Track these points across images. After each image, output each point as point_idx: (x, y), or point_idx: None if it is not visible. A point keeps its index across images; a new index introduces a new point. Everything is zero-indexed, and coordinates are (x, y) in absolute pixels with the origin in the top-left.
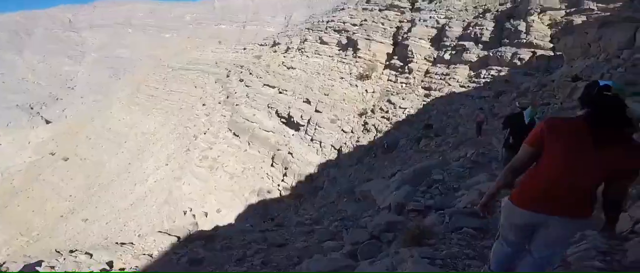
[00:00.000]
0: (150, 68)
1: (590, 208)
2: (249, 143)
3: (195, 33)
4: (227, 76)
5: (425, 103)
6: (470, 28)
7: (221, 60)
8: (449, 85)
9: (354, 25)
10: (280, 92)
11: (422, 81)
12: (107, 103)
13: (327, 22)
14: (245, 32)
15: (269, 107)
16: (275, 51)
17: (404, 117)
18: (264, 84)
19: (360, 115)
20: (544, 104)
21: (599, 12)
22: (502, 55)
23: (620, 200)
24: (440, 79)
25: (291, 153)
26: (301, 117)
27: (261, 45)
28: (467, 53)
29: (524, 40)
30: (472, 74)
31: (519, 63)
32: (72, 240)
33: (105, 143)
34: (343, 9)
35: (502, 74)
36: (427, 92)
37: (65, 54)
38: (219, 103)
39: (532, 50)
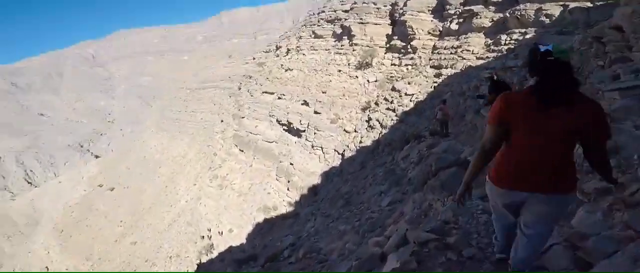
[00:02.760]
0: (172, 92)
1: (567, 183)
2: (254, 158)
3: (209, 51)
4: (239, 89)
5: (436, 84)
6: None
7: (233, 74)
8: (464, 59)
9: (345, 11)
10: (279, 98)
11: (430, 60)
12: (140, 132)
13: (319, 14)
14: (258, 43)
15: (270, 116)
16: (277, 55)
17: (412, 105)
18: (263, 92)
19: (364, 109)
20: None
21: None
22: (523, 14)
23: (603, 159)
24: (451, 53)
25: (292, 164)
26: (300, 121)
27: (266, 52)
28: (477, 18)
29: None
30: (490, 41)
31: (547, 21)
32: (124, 262)
33: (143, 171)
34: None
35: (528, 36)
36: (437, 71)
37: (97, 89)
38: (232, 118)
39: (562, 3)
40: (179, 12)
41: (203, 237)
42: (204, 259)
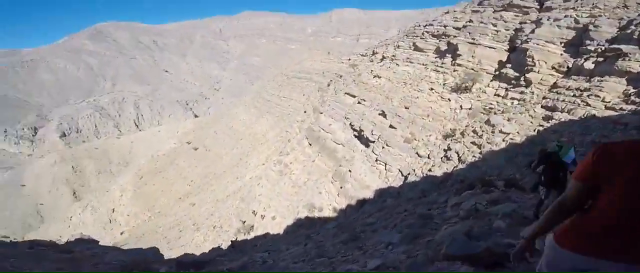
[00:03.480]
0: (272, 75)
1: None
2: (319, 154)
3: (315, 45)
4: (328, 85)
5: (541, 129)
6: (633, 26)
7: (327, 70)
8: (588, 105)
9: (457, 28)
10: (359, 102)
11: (544, 98)
12: (236, 104)
13: (425, 26)
14: (358, 45)
15: (345, 118)
16: (371, 60)
17: (503, 145)
18: (345, 93)
19: (446, 137)
20: None
21: None
22: None
23: None
24: (574, 96)
25: (350, 171)
26: (372, 131)
27: (363, 55)
28: (624, 60)
29: None
30: (632, 90)
31: None
32: (177, 221)
33: (226, 139)
34: (448, 12)
35: None
36: (549, 113)
37: (215, 60)
38: (313, 111)
39: None
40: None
41: (247, 217)
42: (240, 238)
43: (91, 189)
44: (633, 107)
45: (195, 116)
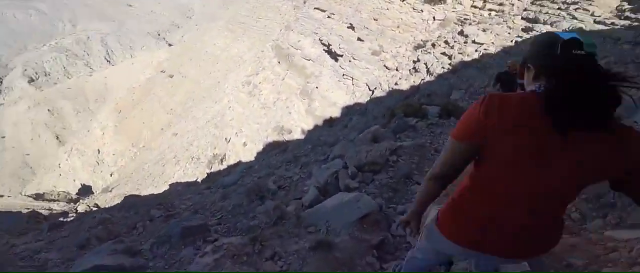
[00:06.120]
0: None
1: (554, 243)
2: (287, 71)
3: None
4: (304, 2)
5: (519, 40)
6: None
7: None
8: (574, 18)
9: None
10: (328, 17)
11: (525, 9)
12: (210, 29)
13: None
14: None
15: (314, 33)
16: None
17: (476, 55)
18: (315, 8)
19: (416, 48)
20: None
21: None
22: None
23: None
24: (560, 9)
25: (317, 88)
26: (339, 45)
27: None
28: None
29: None
30: (627, 6)
31: None
32: (160, 155)
33: (202, 64)
34: None
35: None
36: (529, 25)
37: None
38: (285, 28)
39: None
40: None
41: (220, 145)
42: (215, 168)
43: (73, 131)
44: (626, 22)
45: (169, 45)
